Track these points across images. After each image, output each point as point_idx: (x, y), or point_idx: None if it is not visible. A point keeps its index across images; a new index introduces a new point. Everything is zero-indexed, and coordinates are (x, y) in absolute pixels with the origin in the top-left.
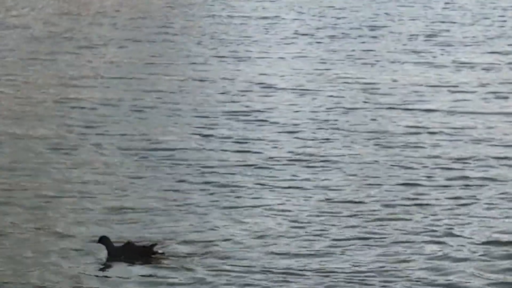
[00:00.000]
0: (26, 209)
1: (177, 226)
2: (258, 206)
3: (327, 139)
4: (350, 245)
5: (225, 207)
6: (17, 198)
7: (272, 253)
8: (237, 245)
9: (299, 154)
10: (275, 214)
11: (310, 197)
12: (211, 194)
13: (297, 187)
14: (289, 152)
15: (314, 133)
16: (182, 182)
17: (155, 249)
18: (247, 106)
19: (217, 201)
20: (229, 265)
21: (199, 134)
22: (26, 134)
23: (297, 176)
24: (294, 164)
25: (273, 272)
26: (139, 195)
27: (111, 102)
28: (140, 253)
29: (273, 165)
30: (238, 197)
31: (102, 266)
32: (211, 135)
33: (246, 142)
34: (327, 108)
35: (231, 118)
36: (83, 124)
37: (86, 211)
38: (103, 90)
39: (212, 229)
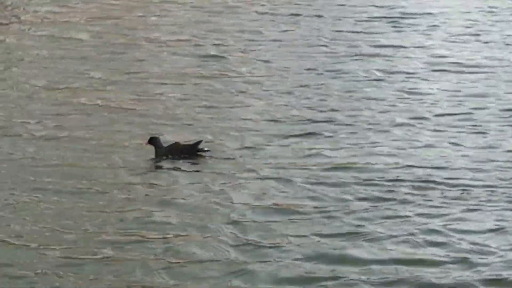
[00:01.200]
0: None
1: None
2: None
3: (486, 42)
4: None
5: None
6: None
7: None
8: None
9: (458, 61)
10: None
11: (460, 105)
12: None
13: (450, 96)
14: (448, 58)
15: (470, 39)
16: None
17: (200, 146)
18: (397, 10)
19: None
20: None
21: (344, 40)
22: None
23: (449, 83)
24: (449, 71)
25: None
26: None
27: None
28: (185, 151)
29: (428, 73)
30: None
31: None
32: (360, 40)
33: (400, 48)
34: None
35: (381, 22)
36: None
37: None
38: None
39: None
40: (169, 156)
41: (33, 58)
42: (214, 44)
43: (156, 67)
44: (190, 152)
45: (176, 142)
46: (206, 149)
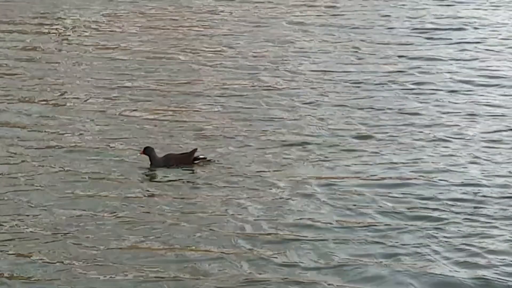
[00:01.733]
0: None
1: None
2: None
3: None
4: None
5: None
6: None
7: None
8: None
9: (496, 74)
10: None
11: (500, 120)
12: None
13: (490, 111)
14: (487, 72)
15: (508, 53)
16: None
17: (195, 155)
18: (431, 22)
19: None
20: None
21: (377, 52)
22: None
23: (488, 97)
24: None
25: None
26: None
27: None
28: (180, 160)
29: (465, 87)
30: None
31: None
32: (401, 56)
33: (436, 61)
34: None
35: (415, 34)
36: None
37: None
38: None
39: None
40: (165, 166)
41: (75, 67)
42: (251, 56)
43: (192, 79)
44: (187, 161)
45: (170, 153)
46: (201, 156)
